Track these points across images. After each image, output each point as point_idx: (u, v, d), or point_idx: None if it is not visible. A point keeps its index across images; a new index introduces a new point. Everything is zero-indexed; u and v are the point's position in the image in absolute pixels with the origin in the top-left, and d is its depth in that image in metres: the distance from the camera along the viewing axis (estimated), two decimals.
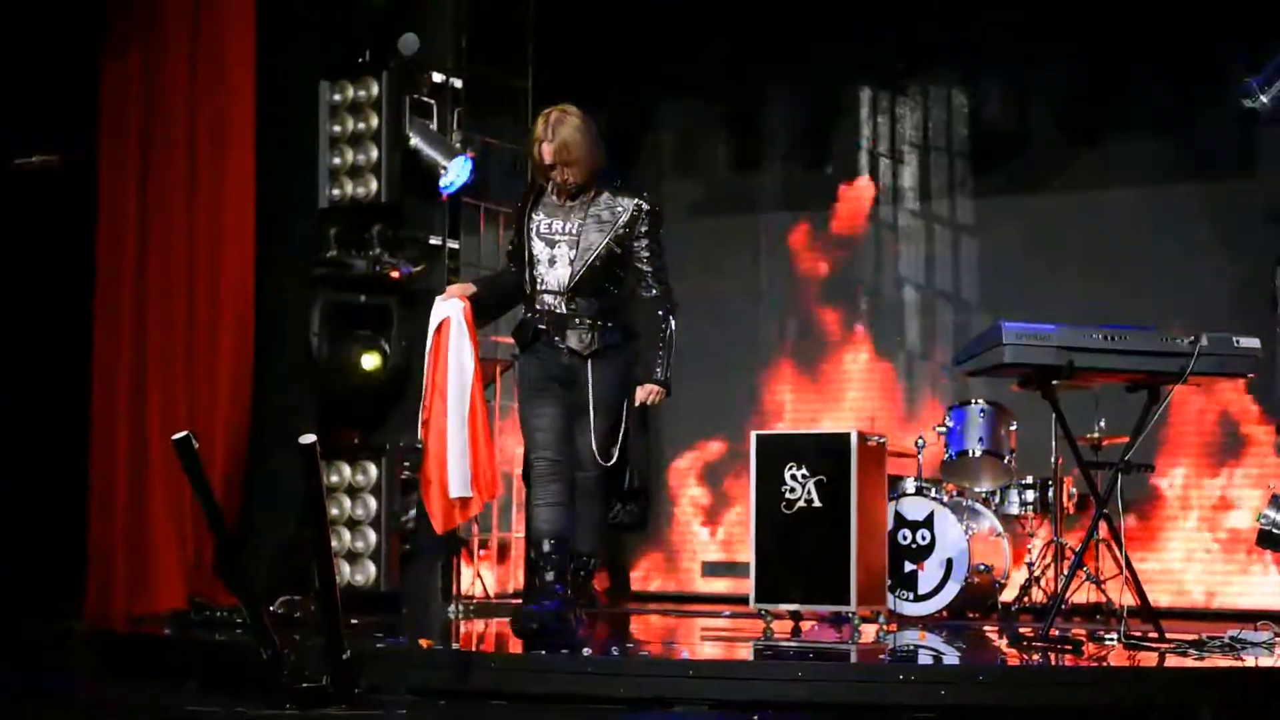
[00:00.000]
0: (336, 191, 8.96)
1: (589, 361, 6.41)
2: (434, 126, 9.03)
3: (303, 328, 8.91)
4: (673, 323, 6.46)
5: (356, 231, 8.91)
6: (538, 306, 6.48)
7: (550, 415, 6.44)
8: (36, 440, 9.15)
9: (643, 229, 6.44)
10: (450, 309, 6.37)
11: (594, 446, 6.38)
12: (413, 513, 8.89)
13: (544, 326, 6.45)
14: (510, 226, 7.00)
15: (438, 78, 9.12)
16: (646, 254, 6.45)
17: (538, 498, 6.40)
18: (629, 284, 6.48)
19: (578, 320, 6.42)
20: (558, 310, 6.44)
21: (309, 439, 5.66)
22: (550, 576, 6.36)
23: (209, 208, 9.19)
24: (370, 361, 8.81)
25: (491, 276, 6.95)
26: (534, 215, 6.51)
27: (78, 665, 7.69)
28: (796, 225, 10.92)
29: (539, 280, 6.46)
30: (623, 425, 6.46)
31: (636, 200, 6.46)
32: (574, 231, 6.42)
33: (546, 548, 6.36)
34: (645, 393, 6.42)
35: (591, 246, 6.39)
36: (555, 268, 6.43)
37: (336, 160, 8.98)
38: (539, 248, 6.46)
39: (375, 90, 8.90)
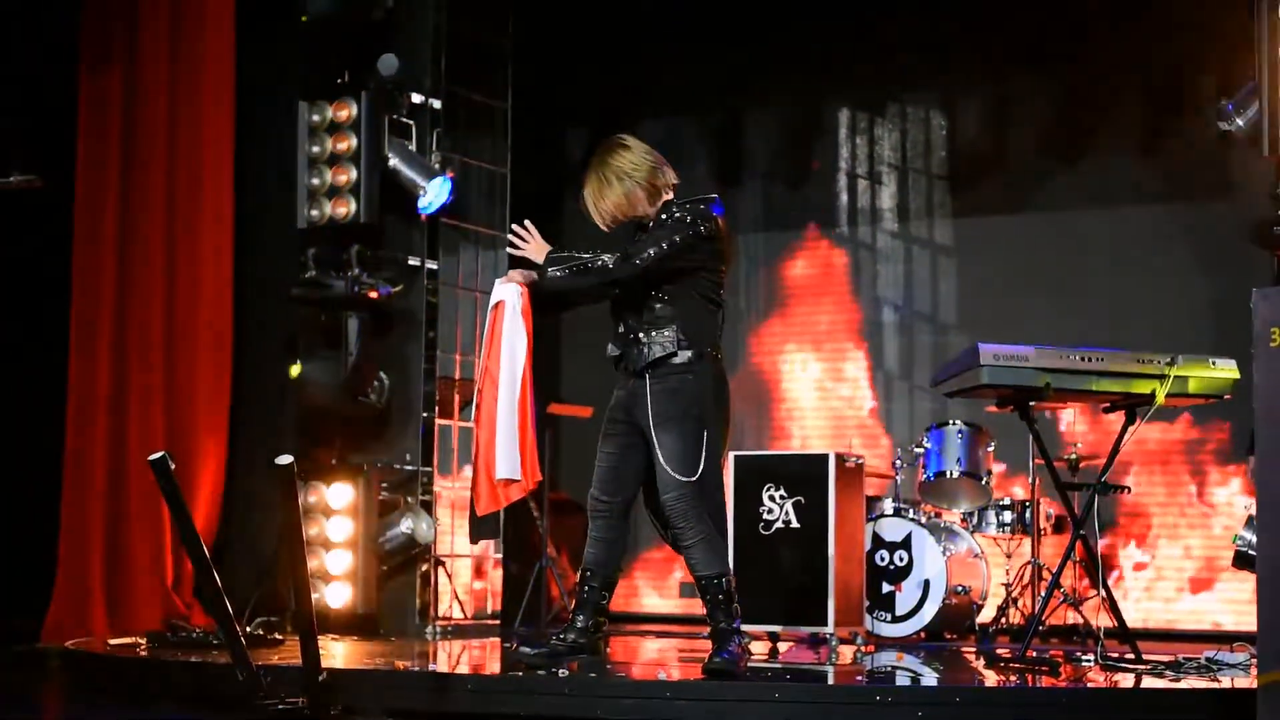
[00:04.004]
0: (315, 212, 8.94)
1: (645, 378, 6.17)
2: (413, 147, 9.04)
3: (281, 349, 8.90)
4: (604, 261, 6.10)
5: (335, 252, 8.90)
6: (618, 328, 6.31)
7: (606, 454, 6.31)
8: (8, 461, 9.12)
9: (653, 224, 6.18)
10: (507, 292, 6.27)
11: (663, 463, 6.11)
12: (390, 533, 8.87)
13: (613, 348, 6.28)
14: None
15: (417, 98, 9.12)
16: (640, 239, 6.15)
17: (589, 529, 6.40)
18: (696, 299, 6.17)
19: (632, 336, 6.21)
20: (619, 330, 6.27)
21: (286, 459, 5.64)
22: (580, 614, 6.36)
23: (187, 228, 9.20)
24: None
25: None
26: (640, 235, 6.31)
27: (49, 687, 7.65)
28: (775, 245, 10.94)
29: (620, 301, 6.29)
30: (702, 442, 6.12)
31: (673, 204, 6.19)
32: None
33: (580, 579, 6.41)
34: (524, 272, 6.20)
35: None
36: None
37: (315, 181, 8.97)
38: None
39: (354, 111, 8.90)
